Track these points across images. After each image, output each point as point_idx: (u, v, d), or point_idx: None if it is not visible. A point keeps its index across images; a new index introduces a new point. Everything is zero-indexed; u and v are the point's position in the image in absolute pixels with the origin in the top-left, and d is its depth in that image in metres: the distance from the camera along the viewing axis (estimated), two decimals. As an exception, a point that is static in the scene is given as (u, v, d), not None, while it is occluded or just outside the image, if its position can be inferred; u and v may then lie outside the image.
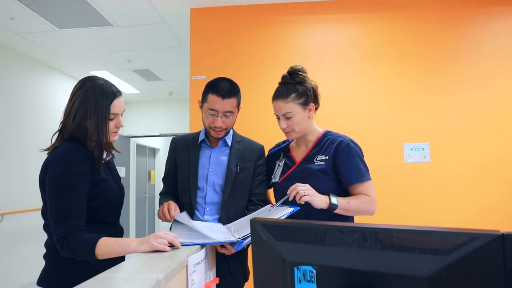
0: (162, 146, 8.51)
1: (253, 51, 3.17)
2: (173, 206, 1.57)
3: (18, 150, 4.18)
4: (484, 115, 2.91)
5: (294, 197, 1.42)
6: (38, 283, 1.30)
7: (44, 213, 1.32)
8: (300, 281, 0.80)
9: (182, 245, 1.19)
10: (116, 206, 1.40)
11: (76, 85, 1.36)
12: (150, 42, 4.19)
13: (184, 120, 6.96)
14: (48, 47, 4.26)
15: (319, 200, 1.42)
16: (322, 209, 1.45)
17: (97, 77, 1.38)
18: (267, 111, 2.98)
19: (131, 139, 6.78)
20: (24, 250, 4.19)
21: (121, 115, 1.39)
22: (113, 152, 1.48)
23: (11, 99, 4.08)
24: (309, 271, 0.79)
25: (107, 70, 5.18)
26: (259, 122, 2.94)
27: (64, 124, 1.34)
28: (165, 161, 1.87)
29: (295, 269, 0.81)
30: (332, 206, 1.44)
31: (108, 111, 1.33)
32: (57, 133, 1.37)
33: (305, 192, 1.40)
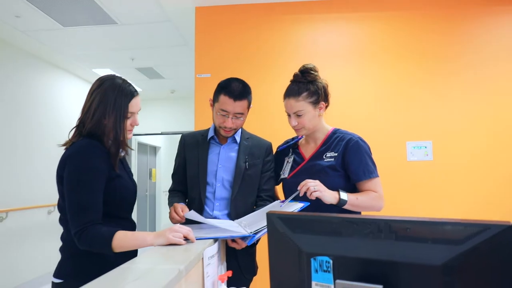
0: (163, 145, 8.54)
1: (258, 50, 3.20)
2: (179, 207, 1.60)
3: (22, 147, 4.21)
4: (486, 114, 2.94)
5: (305, 193, 1.46)
6: (55, 276, 1.33)
7: (60, 207, 1.35)
8: (316, 271, 0.84)
9: (196, 239, 1.23)
10: (130, 201, 1.44)
11: (94, 83, 1.40)
12: (154, 40, 4.22)
13: (186, 119, 6.99)
14: (52, 45, 4.28)
15: (329, 196, 1.46)
16: (331, 205, 1.49)
17: (115, 76, 1.42)
18: (272, 109, 3.03)
19: (132, 137, 6.80)
20: (28, 247, 4.22)
21: (137, 114, 1.43)
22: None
23: (15, 96, 4.11)
24: (326, 262, 0.82)
25: (110, 68, 5.21)
26: (264, 120, 2.97)
27: (82, 120, 1.38)
28: (175, 157, 1.90)
29: (312, 259, 0.84)
30: (342, 202, 1.47)
31: (126, 110, 1.36)
32: (74, 129, 1.40)
33: (315, 187, 1.43)
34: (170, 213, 1.63)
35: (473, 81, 2.99)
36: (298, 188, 1.47)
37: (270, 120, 3.02)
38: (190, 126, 6.79)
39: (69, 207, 1.25)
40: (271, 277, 0.96)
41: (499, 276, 0.69)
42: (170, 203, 1.71)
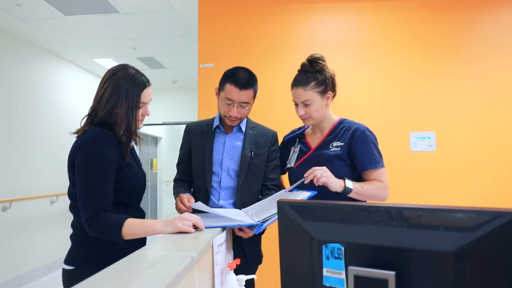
0: (165, 135, 8.54)
1: (261, 39, 3.18)
2: (185, 197, 1.61)
3: (23, 137, 4.21)
4: (490, 105, 2.94)
5: (310, 181, 1.47)
6: (66, 262, 1.34)
7: (71, 194, 1.36)
8: (328, 258, 0.85)
9: (205, 228, 1.24)
10: (139, 190, 1.45)
11: (107, 72, 1.41)
12: (156, 30, 4.19)
13: (187, 109, 6.99)
14: (53, 34, 4.26)
15: (335, 183, 1.47)
16: (336, 194, 1.50)
17: (128, 65, 1.42)
18: (276, 98, 3.02)
19: (134, 127, 6.78)
20: (32, 236, 4.25)
21: (148, 104, 1.44)
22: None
23: (16, 85, 4.09)
24: (337, 249, 0.83)
25: (112, 57, 5.18)
26: (267, 109, 2.97)
27: (94, 109, 1.38)
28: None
29: (323, 246, 0.85)
30: (347, 190, 1.49)
31: (138, 100, 1.37)
32: (86, 117, 1.40)
33: (322, 174, 1.45)
34: (176, 203, 1.64)
35: (478, 72, 2.98)
36: (305, 175, 1.48)
37: (273, 110, 3.02)
38: (191, 117, 6.80)
39: (80, 194, 1.27)
40: (281, 264, 0.97)
41: (511, 263, 0.70)
42: (176, 193, 1.72)
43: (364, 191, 1.54)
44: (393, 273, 0.74)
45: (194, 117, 6.71)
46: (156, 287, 0.65)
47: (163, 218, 8.06)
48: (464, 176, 2.89)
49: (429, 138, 2.92)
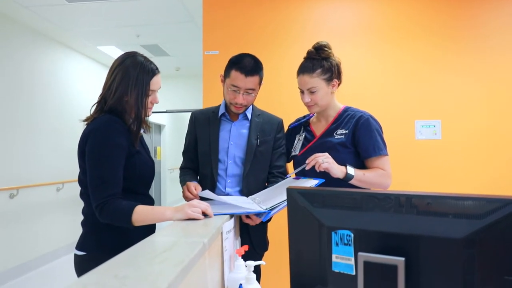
0: (168, 123, 8.55)
1: (266, 26, 3.16)
2: (192, 186, 1.62)
3: (27, 124, 4.23)
4: (496, 93, 2.92)
5: (312, 168, 1.48)
6: (78, 248, 1.37)
7: (81, 181, 1.38)
8: (337, 244, 0.86)
9: (213, 214, 1.26)
10: (148, 177, 1.46)
11: (116, 60, 1.41)
12: (160, 16, 4.16)
13: (191, 97, 6.97)
14: (56, 21, 4.24)
15: (337, 169, 1.49)
16: (340, 182, 1.51)
17: (137, 53, 1.42)
18: (282, 85, 3.01)
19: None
20: (39, 222, 4.30)
21: (157, 91, 1.44)
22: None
23: (19, 73, 4.09)
24: (347, 235, 0.85)
25: (115, 45, 5.16)
26: (274, 96, 2.97)
27: (104, 96, 1.39)
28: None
29: (333, 233, 0.87)
30: (348, 176, 1.50)
31: (147, 87, 1.38)
32: (96, 105, 1.41)
33: (323, 160, 1.46)
34: (183, 192, 1.65)
35: (484, 61, 2.95)
36: (307, 161, 1.50)
37: (279, 97, 3.01)
38: (195, 104, 6.80)
39: (91, 181, 1.28)
40: (290, 250, 0.99)
41: (519, 249, 0.71)
42: (182, 182, 1.73)
43: (365, 178, 1.55)
44: (403, 259, 0.75)
45: (197, 105, 6.72)
46: (171, 272, 0.66)
47: (167, 205, 8.12)
48: (469, 165, 2.89)
49: (434, 126, 2.91)
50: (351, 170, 1.52)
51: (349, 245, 0.85)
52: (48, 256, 4.41)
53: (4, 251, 3.76)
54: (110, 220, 1.26)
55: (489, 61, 2.95)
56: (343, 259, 0.86)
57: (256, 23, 3.17)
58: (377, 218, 0.83)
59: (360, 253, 0.80)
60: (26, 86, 4.22)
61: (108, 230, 1.32)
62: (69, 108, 5.02)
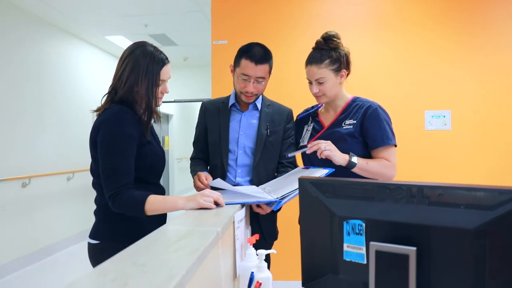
0: (176, 112, 8.58)
1: (275, 16, 3.14)
2: (203, 176, 1.63)
3: (37, 114, 4.27)
4: (507, 83, 2.89)
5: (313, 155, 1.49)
6: (91, 237, 1.40)
7: (93, 171, 1.40)
8: (349, 234, 0.87)
9: (225, 204, 1.27)
10: (159, 167, 1.48)
11: (125, 50, 1.41)
12: (168, 6, 4.15)
13: (198, 87, 6.98)
14: (64, 11, 4.24)
15: (339, 156, 1.49)
16: (347, 171, 1.52)
17: (146, 43, 1.42)
18: (291, 75, 3.01)
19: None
20: (50, 211, 4.37)
21: (167, 81, 1.45)
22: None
23: (27, 63, 4.10)
24: (358, 225, 0.86)
25: (123, 35, 5.16)
26: (281, 87, 2.96)
27: (114, 87, 1.39)
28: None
29: (344, 223, 0.88)
30: (351, 163, 1.51)
31: (157, 77, 1.38)
32: (106, 95, 1.42)
33: (325, 147, 1.47)
34: (194, 182, 1.67)
35: (494, 51, 2.91)
36: (309, 145, 1.51)
37: (286, 87, 3.01)
38: (203, 94, 6.80)
39: (103, 172, 1.30)
40: (302, 239, 1.00)
41: (530, 240, 0.71)
42: (193, 172, 1.75)
43: (368, 167, 1.55)
44: (414, 248, 0.76)
45: (205, 95, 6.74)
46: (188, 260, 0.68)
47: (175, 195, 8.19)
48: (480, 156, 2.88)
49: (444, 116, 2.89)
50: (354, 158, 1.53)
51: (361, 234, 0.86)
52: (60, 244, 4.49)
53: (17, 239, 3.84)
54: (123, 210, 1.28)
55: (500, 51, 2.91)
56: (355, 248, 0.87)
57: (265, 12, 3.16)
58: (388, 208, 0.83)
59: (371, 243, 0.81)
60: (34, 76, 4.24)
61: (120, 219, 1.34)
62: (78, 98, 5.05)
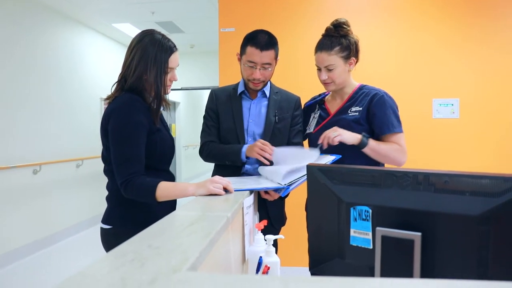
0: (183, 100, 8.60)
1: (284, 3, 3.12)
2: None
3: (46, 102, 4.31)
4: (516, 70, 2.87)
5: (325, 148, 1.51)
6: (103, 222, 1.44)
7: (105, 158, 1.43)
8: (355, 219, 0.90)
9: (234, 190, 1.30)
10: (169, 154, 1.51)
11: (134, 38, 1.42)
12: (175, -7, 4.14)
13: (205, 74, 6.98)
14: (72, -2, 4.25)
15: (350, 136, 1.52)
16: (354, 157, 1.53)
17: (154, 31, 1.43)
18: (299, 63, 3.00)
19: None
20: (60, 197, 4.45)
21: (175, 69, 1.47)
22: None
23: (34, 50, 4.12)
24: (365, 211, 0.88)
25: (130, 22, 5.16)
26: (291, 74, 2.97)
27: (124, 75, 1.41)
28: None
29: (351, 209, 0.90)
30: (363, 142, 1.53)
31: (166, 65, 1.40)
32: (116, 84, 1.44)
33: (333, 134, 1.48)
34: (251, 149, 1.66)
35: (503, 39, 2.88)
36: (319, 142, 1.53)
37: (296, 75, 3.01)
38: (209, 81, 6.79)
39: (115, 159, 1.33)
40: (310, 225, 1.03)
41: (534, 226, 0.73)
42: (233, 149, 1.76)
43: (379, 149, 1.56)
44: (419, 234, 0.79)
45: (212, 82, 6.73)
46: (200, 243, 0.71)
47: (182, 181, 8.27)
48: (487, 144, 2.87)
49: (452, 105, 2.88)
50: (365, 138, 1.55)
51: (367, 220, 0.88)
52: (70, 230, 4.59)
53: (29, 224, 3.93)
54: (135, 196, 1.31)
55: (509, 39, 2.87)
56: (361, 234, 0.89)
57: (273, 0, 3.14)
58: (395, 195, 0.85)
59: (378, 228, 0.84)
60: (42, 64, 4.27)
61: (132, 205, 1.38)
62: (86, 85, 5.09)
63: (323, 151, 1.57)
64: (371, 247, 0.88)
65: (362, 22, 3.00)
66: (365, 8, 3.03)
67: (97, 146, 5.31)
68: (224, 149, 1.78)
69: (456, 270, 0.78)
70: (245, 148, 1.68)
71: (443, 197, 0.80)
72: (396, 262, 0.81)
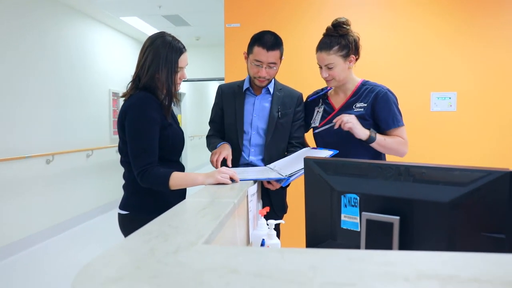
0: (188, 91, 8.72)
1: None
2: (223, 155, 1.77)
3: (57, 93, 4.45)
4: (511, 68, 2.96)
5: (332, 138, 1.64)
6: (121, 208, 1.58)
7: (121, 150, 1.57)
8: (345, 206, 1.03)
9: (240, 180, 1.44)
10: (179, 146, 1.65)
11: (146, 40, 1.55)
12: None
13: (210, 66, 7.09)
14: (82, -7, 4.36)
15: (360, 129, 1.65)
16: (356, 152, 1.66)
17: (165, 33, 1.56)
18: (302, 59, 3.11)
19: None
20: (73, 186, 4.63)
21: (184, 68, 1.59)
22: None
23: (43, 44, 4.23)
24: (354, 198, 1.01)
25: (138, 16, 5.27)
26: (295, 70, 3.07)
27: (138, 75, 1.55)
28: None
29: (342, 196, 1.03)
30: (371, 138, 1.66)
31: (176, 65, 1.53)
32: (131, 83, 1.57)
33: (347, 120, 1.61)
34: (211, 156, 1.83)
35: (499, 35, 2.96)
36: (334, 121, 1.66)
37: (299, 71, 3.11)
38: (215, 73, 6.90)
39: (131, 151, 1.47)
40: (307, 210, 1.16)
41: (496, 212, 0.86)
42: (212, 146, 1.91)
43: (385, 143, 1.70)
44: (398, 218, 0.92)
45: (217, 74, 6.84)
46: (211, 224, 0.84)
47: (188, 171, 8.42)
48: (483, 137, 2.98)
49: (450, 98, 2.99)
50: (374, 133, 1.68)
51: (356, 206, 1.01)
52: (82, 217, 4.77)
53: (43, 212, 4.11)
54: (151, 185, 1.45)
55: (506, 34, 2.96)
56: (350, 218, 1.03)
57: (277, -4, 3.23)
58: (379, 184, 0.98)
59: (363, 213, 0.97)
60: (54, 57, 4.39)
61: (147, 192, 1.52)
62: (95, 78, 5.22)
63: (331, 145, 1.71)
64: (358, 229, 1.01)
65: (362, 18, 3.10)
66: (365, 4, 3.12)
67: (106, 136, 5.49)
68: (209, 143, 1.98)
69: (429, 249, 0.91)
70: (218, 146, 1.85)
71: (420, 186, 0.93)
72: (378, 242, 0.94)
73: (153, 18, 5.34)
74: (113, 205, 5.35)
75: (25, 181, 3.88)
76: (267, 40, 1.79)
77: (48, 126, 4.23)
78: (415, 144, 2.90)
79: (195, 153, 9.06)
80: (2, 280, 3.12)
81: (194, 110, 9.08)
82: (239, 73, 3.06)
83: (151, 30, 5.83)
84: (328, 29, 1.80)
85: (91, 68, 5.16)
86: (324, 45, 1.77)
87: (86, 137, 4.93)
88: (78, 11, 4.90)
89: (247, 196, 1.33)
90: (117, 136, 5.60)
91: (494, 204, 0.85)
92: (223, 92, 2.01)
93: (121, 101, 5.63)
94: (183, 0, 4.66)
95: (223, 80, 7.21)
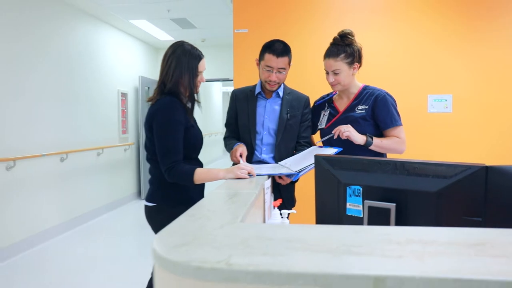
0: (193, 91, 8.90)
1: (294, 5, 3.39)
2: (239, 151, 1.94)
3: (68, 94, 4.64)
4: (506, 69, 3.13)
5: (338, 136, 1.83)
6: (147, 200, 1.77)
7: (148, 148, 1.76)
8: (350, 196, 1.22)
9: (256, 175, 1.63)
10: (199, 146, 1.84)
11: (168, 50, 1.75)
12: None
13: (215, 67, 7.28)
14: (93, -3, 4.54)
15: (357, 136, 1.84)
16: (360, 150, 1.85)
17: (184, 42, 1.76)
18: (309, 64, 3.29)
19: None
20: (85, 183, 4.82)
21: (203, 72, 1.79)
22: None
23: (52, 46, 4.38)
24: (357, 189, 1.20)
25: (146, 19, 5.45)
26: (302, 74, 3.25)
27: (163, 81, 1.74)
28: (227, 109, 2.28)
29: (347, 188, 1.22)
30: (368, 142, 1.85)
31: (196, 70, 1.73)
32: (156, 88, 1.76)
33: (345, 129, 1.81)
34: (231, 155, 2.02)
35: (494, 39, 3.14)
36: (332, 132, 1.85)
37: (307, 75, 3.29)
38: (220, 74, 7.07)
39: (159, 150, 1.66)
40: (317, 200, 1.35)
41: (474, 199, 1.04)
42: (229, 147, 2.10)
43: (382, 144, 1.90)
44: (394, 204, 1.10)
45: (222, 74, 7.01)
46: (242, 208, 1.03)
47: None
48: (478, 137, 3.17)
49: (446, 100, 3.17)
50: (370, 138, 1.87)
51: (359, 196, 1.20)
52: (93, 213, 4.97)
53: (56, 208, 4.30)
54: (177, 180, 1.64)
55: (499, 38, 3.14)
56: (354, 206, 1.21)
57: (284, 3, 3.41)
58: (379, 177, 1.17)
59: (366, 201, 1.16)
60: (58, 58, 4.47)
61: (171, 186, 1.71)
62: (105, 79, 5.41)
63: (335, 145, 1.90)
64: (361, 216, 1.20)
65: (362, 23, 3.28)
66: (364, 10, 3.30)
67: (115, 135, 5.68)
68: (226, 144, 2.17)
69: (420, 230, 1.09)
70: (235, 146, 2.02)
71: (413, 178, 1.12)
72: (377, 224, 1.13)
73: (161, 21, 5.53)
74: (122, 201, 5.55)
75: (42, 178, 4.07)
76: (277, 48, 1.98)
77: (61, 125, 4.41)
78: (413, 144, 3.08)
79: (204, 150, 9.13)
80: (19, 273, 3.31)
81: (198, 110, 9.25)
82: (247, 76, 3.25)
83: (158, 32, 6.02)
84: (335, 39, 2.00)
85: (101, 69, 5.35)
86: (331, 53, 1.96)
87: (97, 136, 5.12)
88: (89, 14, 5.09)
89: (264, 189, 1.52)
90: (125, 135, 5.86)
91: (473, 193, 1.04)
92: (236, 97, 2.20)
93: (130, 102, 5.83)
94: (191, 4, 4.84)
95: (228, 80, 7.36)
